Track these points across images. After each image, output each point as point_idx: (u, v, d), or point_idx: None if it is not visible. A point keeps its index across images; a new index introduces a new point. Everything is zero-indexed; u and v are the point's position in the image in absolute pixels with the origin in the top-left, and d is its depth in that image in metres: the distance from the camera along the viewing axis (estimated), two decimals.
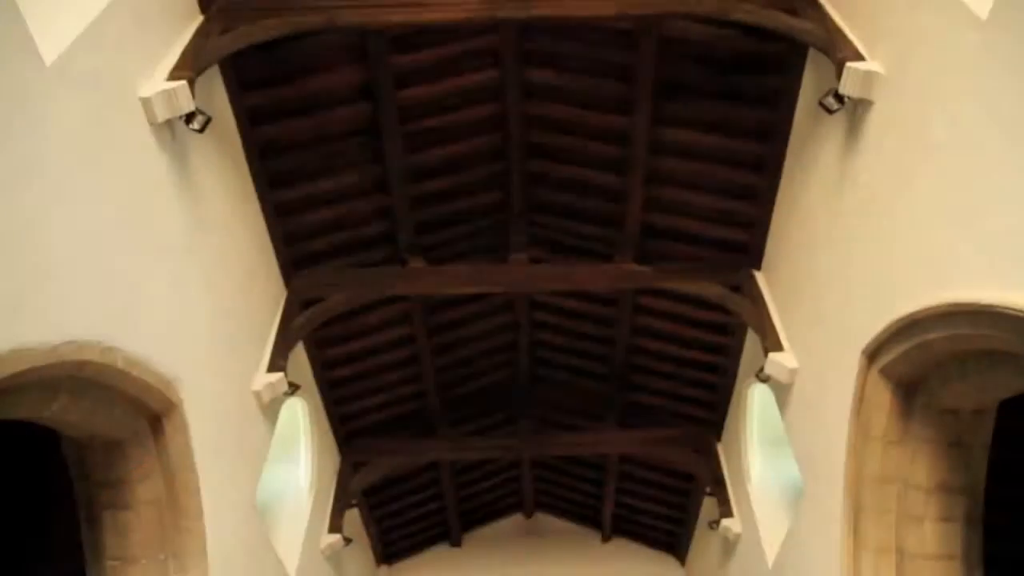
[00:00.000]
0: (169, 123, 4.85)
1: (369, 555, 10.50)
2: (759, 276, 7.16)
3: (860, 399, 5.10)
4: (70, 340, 3.75)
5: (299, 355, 7.45)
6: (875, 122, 4.86)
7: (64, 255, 3.77)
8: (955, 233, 3.94)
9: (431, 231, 7.64)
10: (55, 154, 3.71)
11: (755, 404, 7.92)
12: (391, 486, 9.90)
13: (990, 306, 3.53)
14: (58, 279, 3.71)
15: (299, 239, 7.09)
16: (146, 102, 4.61)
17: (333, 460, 8.76)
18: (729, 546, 8.59)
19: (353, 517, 9.17)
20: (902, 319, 4.39)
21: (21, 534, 6.98)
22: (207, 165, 5.55)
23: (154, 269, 4.74)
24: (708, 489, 8.76)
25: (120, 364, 4.29)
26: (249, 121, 6.08)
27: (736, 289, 7.14)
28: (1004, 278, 3.53)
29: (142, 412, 4.84)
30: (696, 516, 10.00)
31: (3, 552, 7.06)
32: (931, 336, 4.21)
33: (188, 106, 4.82)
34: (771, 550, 7.34)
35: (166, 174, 4.93)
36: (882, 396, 4.94)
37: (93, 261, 4.03)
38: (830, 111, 5.15)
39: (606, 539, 11.38)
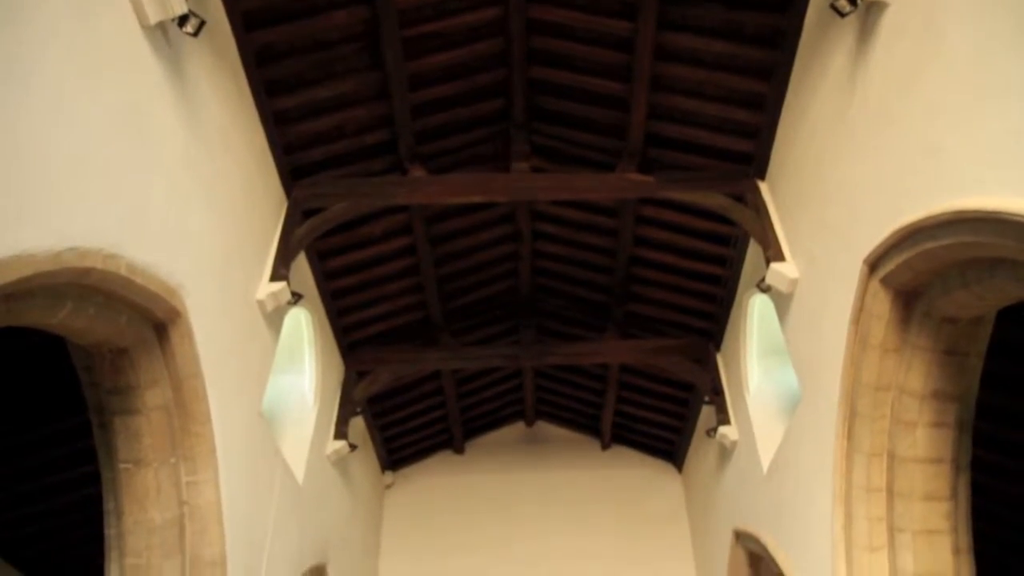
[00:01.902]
0: (162, 26, 4.74)
1: (374, 461, 10.77)
2: (763, 186, 7.11)
3: (860, 308, 5.14)
4: (72, 247, 3.76)
5: (301, 265, 7.48)
6: (887, 26, 4.73)
7: (63, 163, 3.74)
8: (961, 140, 3.89)
9: (432, 139, 7.56)
10: (50, 59, 3.64)
11: (755, 314, 7.98)
12: (395, 395, 10.07)
13: (994, 212, 3.52)
14: (58, 186, 3.69)
15: (298, 148, 7.02)
16: (136, 1, 4.49)
17: (337, 369, 8.89)
18: (726, 453, 8.81)
19: (358, 425, 9.37)
20: (905, 227, 4.39)
21: (39, 440, 7.18)
22: (203, 72, 5.45)
23: (153, 177, 4.71)
24: (707, 398, 8.91)
25: (123, 271, 4.31)
26: (244, 26, 5.93)
27: (739, 199, 7.10)
28: (1008, 185, 3.50)
29: (148, 320, 4.89)
30: (694, 424, 10.22)
31: (22, 457, 7.28)
32: (933, 244, 4.21)
33: (180, 7, 4.70)
34: (766, 456, 7.52)
35: (162, 80, 4.83)
36: (882, 305, 4.98)
37: (92, 168, 4.00)
38: (842, 14, 5.02)
39: (605, 447, 11.64)
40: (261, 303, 6.43)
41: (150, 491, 5.28)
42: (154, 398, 5.15)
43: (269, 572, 6.42)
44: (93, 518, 5.42)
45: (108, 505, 5.31)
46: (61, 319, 4.20)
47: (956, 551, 5.24)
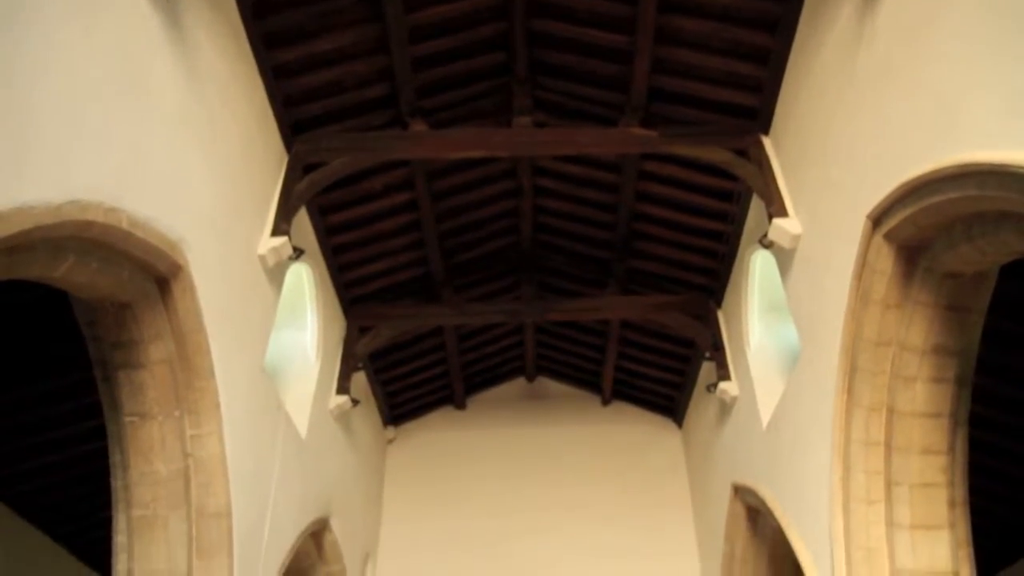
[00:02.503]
0: None
1: (376, 416, 10.86)
2: (767, 141, 7.06)
3: (862, 264, 5.13)
4: (73, 200, 3.75)
5: (303, 221, 7.46)
6: None
7: (61, 115, 3.70)
8: (970, 93, 3.85)
9: (433, 94, 7.48)
10: (46, 11, 3.58)
11: (757, 271, 7.98)
12: (396, 350, 10.12)
13: (1001, 165, 3.49)
14: (56, 139, 3.66)
15: (298, 102, 6.96)
16: None
17: (339, 325, 8.92)
18: (725, 408, 8.87)
19: (360, 380, 9.43)
20: (910, 181, 4.36)
21: (46, 394, 7.23)
22: (201, 24, 5.37)
23: (152, 130, 4.67)
24: (707, 354, 8.94)
25: (124, 225, 4.30)
26: None
27: (743, 154, 7.05)
28: (1016, 137, 3.47)
29: (150, 274, 4.90)
30: (694, 381, 10.28)
31: (30, 411, 7.34)
32: (938, 198, 4.18)
33: None
34: (766, 411, 7.58)
35: (160, 32, 4.77)
36: (884, 261, 4.98)
37: (90, 122, 3.97)
38: None
39: (606, 402, 11.72)
40: (262, 258, 6.43)
41: (155, 444, 5.33)
42: (157, 352, 5.18)
43: (273, 524, 6.52)
44: (100, 471, 5.48)
45: (114, 458, 5.37)
46: (63, 273, 4.20)
47: (952, 504, 5.31)
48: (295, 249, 6.73)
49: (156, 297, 5.08)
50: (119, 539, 5.35)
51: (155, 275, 4.94)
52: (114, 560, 5.36)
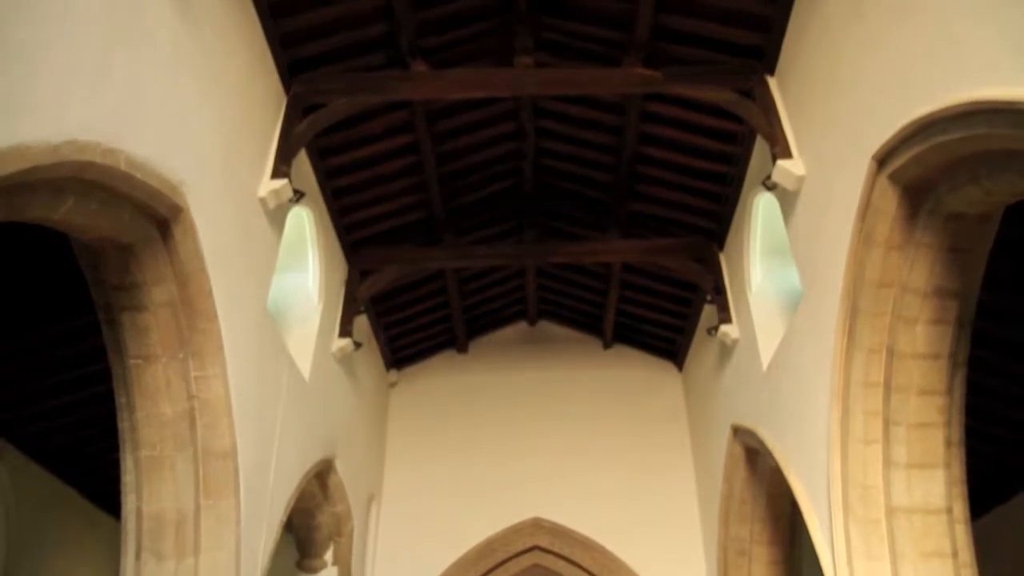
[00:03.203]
0: None
1: (379, 359, 10.94)
2: (772, 81, 6.95)
3: (866, 205, 5.10)
4: (70, 139, 3.71)
5: (303, 164, 7.40)
6: None
7: (55, 54, 3.64)
8: (982, 29, 3.77)
9: (434, 33, 7.34)
10: None
11: (759, 213, 7.94)
12: (398, 294, 10.14)
13: (1012, 103, 3.44)
14: (51, 78, 3.61)
15: (297, 41, 6.83)
16: None
17: (340, 268, 8.93)
18: (726, 351, 8.92)
19: (362, 323, 9.47)
20: (917, 120, 4.30)
21: (54, 337, 7.28)
22: None
23: (149, 71, 4.59)
24: (708, 297, 8.96)
25: (123, 166, 4.27)
26: None
27: (747, 95, 6.96)
28: None
29: (150, 216, 4.88)
30: (695, 324, 10.31)
31: (37, 354, 7.39)
32: (945, 138, 4.14)
33: None
34: (766, 353, 7.62)
35: None
36: (889, 202, 4.95)
37: (84, 60, 3.90)
38: None
39: (607, 346, 11.77)
40: (263, 200, 6.39)
41: (160, 386, 5.39)
42: (160, 295, 5.20)
43: (278, 464, 6.61)
44: (108, 413, 5.54)
45: (120, 400, 5.42)
46: (63, 214, 4.18)
47: (948, 443, 5.38)
48: (295, 191, 6.70)
49: (157, 240, 5.07)
50: (127, 479, 5.45)
51: (156, 217, 4.92)
52: (123, 500, 5.46)
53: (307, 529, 8.77)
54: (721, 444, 9.01)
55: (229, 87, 5.84)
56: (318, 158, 7.75)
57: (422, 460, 10.96)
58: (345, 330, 8.70)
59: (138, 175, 4.45)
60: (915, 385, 5.26)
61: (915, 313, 5.13)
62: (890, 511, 5.34)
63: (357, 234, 9.00)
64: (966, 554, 5.38)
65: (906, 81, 4.57)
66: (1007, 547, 9.36)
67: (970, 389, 5.49)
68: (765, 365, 7.58)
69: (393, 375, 11.50)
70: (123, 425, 5.43)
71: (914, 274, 5.00)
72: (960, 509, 5.43)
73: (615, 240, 9.25)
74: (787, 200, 6.78)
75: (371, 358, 10.43)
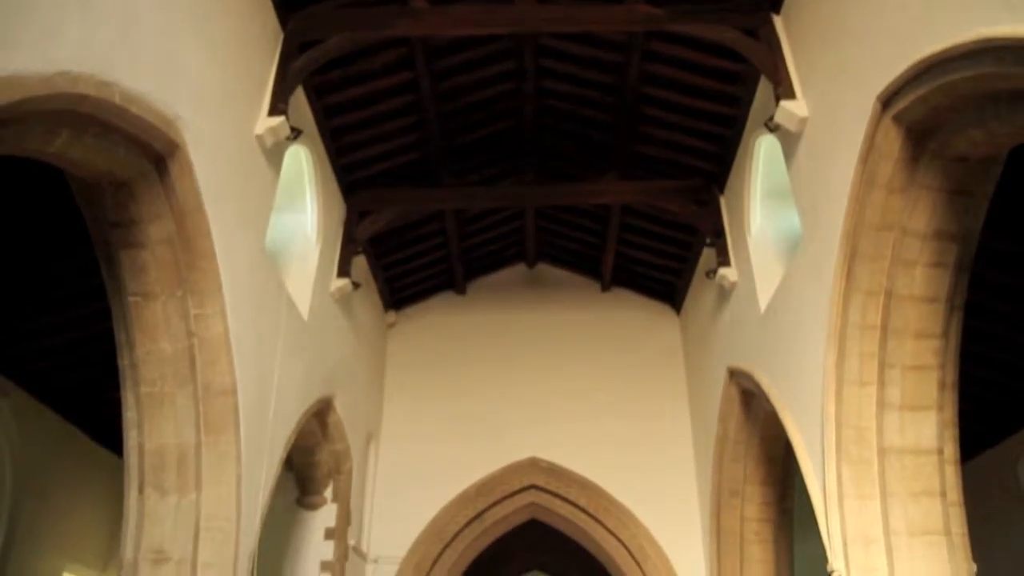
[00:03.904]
0: None
1: (377, 300, 10.96)
2: (777, 20, 6.83)
3: (869, 147, 5.06)
4: (63, 71, 3.66)
5: (300, 102, 7.30)
6: None
7: None
8: None
9: None
10: None
11: (761, 155, 7.87)
12: (396, 235, 10.10)
13: (1021, 39, 3.38)
14: (46, 11, 3.54)
15: None
16: None
17: (339, 209, 8.88)
18: (724, 294, 8.94)
19: (360, 264, 9.46)
20: (924, 59, 4.24)
21: (55, 276, 7.26)
22: None
23: (143, 4, 4.50)
24: (708, 240, 8.94)
25: (118, 100, 4.21)
26: None
27: (752, 34, 6.83)
28: None
29: (146, 152, 4.83)
30: (694, 267, 10.32)
31: (39, 292, 7.39)
32: (952, 77, 4.08)
33: None
34: (764, 296, 7.64)
35: None
36: (892, 144, 4.90)
37: None
38: None
39: (605, 288, 11.78)
40: (260, 138, 6.33)
41: (159, 323, 5.41)
42: (157, 232, 5.18)
43: (278, 402, 6.67)
44: (111, 352, 5.55)
45: (120, 337, 5.45)
46: (58, 148, 4.14)
47: (942, 386, 5.43)
48: (293, 129, 6.62)
49: (154, 176, 5.03)
50: (128, 415, 5.50)
51: (151, 154, 4.87)
52: (125, 436, 5.53)
53: (307, 467, 8.90)
54: (717, 386, 9.09)
55: (225, 22, 5.73)
56: (315, 96, 7.64)
57: (420, 400, 11.06)
58: (343, 270, 8.69)
59: (133, 109, 4.40)
60: (912, 328, 5.29)
61: (914, 256, 5.13)
62: (882, 452, 5.42)
63: (355, 174, 8.93)
64: (954, 494, 5.48)
65: (914, 18, 4.48)
66: (995, 489, 9.54)
67: (966, 333, 5.52)
68: (763, 308, 7.61)
69: (391, 316, 11.53)
70: (123, 363, 5.47)
71: (915, 217, 4.98)
72: (951, 450, 5.51)
73: (615, 182, 9.18)
74: (789, 142, 6.71)
75: (369, 299, 10.45)
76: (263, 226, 6.62)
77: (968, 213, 4.98)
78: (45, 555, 8.90)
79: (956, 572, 5.31)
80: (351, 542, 9.08)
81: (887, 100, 4.80)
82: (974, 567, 5.42)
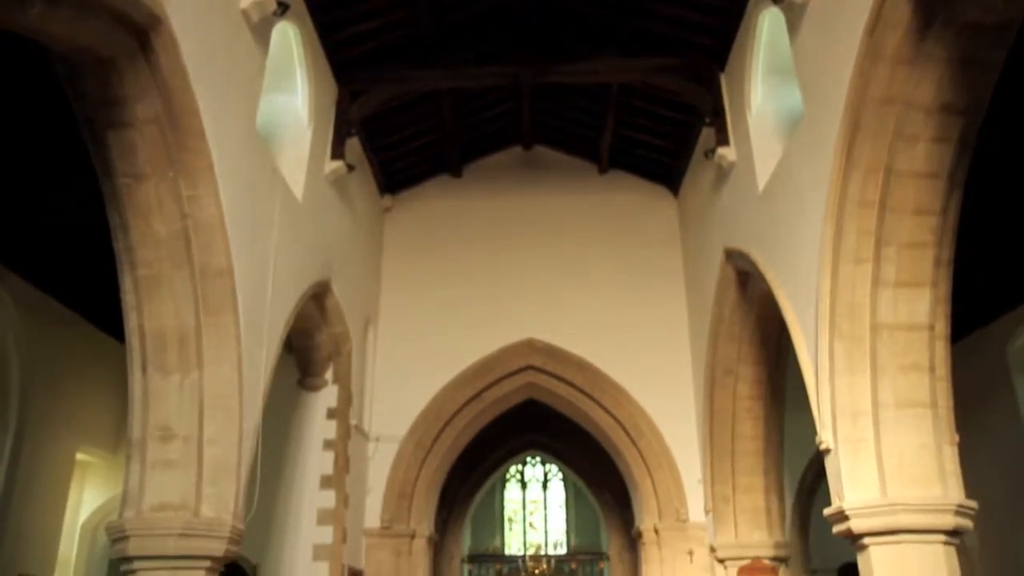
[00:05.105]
0: None
1: (372, 185, 10.85)
2: None
3: (877, 16, 4.88)
4: None
5: None
6: None
7: None
8: None
9: None
10: None
11: (764, 30, 7.61)
12: (390, 116, 9.90)
13: None
14: None
15: None
16: None
17: (330, 89, 8.66)
18: (722, 174, 8.85)
19: (354, 147, 9.31)
20: None
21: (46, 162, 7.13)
22: None
23: None
24: (707, 119, 8.77)
25: None
26: None
27: None
28: None
29: (126, 26, 4.65)
30: (692, 147, 10.16)
31: (31, 175, 7.27)
32: None
33: None
34: (763, 176, 7.56)
35: None
36: (901, 13, 4.73)
37: None
38: None
39: (603, 171, 11.63)
40: (245, 13, 6.11)
41: (152, 205, 5.36)
42: (144, 111, 5.06)
43: (276, 284, 6.70)
44: (106, 236, 5.51)
45: (113, 220, 5.42)
46: (33, 20, 4.00)
47: (937, 263, 5.44)
48: (279, 3, 6.38)
49: (137, 52, 4.87)
50: (127, 298, 5.53)
51: (133, 27, 4.69)
52: (125, 318, 5.57)
53: (307, 349, 9.04)
54: (714, 267, 9.13)
55: None
56: None
57: (418, 284, 11.12)
58: (337, 152, 8.56)
59: None
60: (910, 205, 5.26)
61: (917, 131, 5.04)
62: (875, 328, 5.48)
63: (346, 53, 8.65)
64: (942, 368, 5.59)
65: None
66: (983, 367, 9.73)
67: (965, 211, 5.48)
68: (761, 187, 7.54)
69: (387, 200, 11.44)
70: (119, 245, 5.45)
71: (921, 89, 4.86)
72: (942, 327, 5.58)
73: (613, 59, 8.92)
74: (794, 15, 6.49)
75: (365, 182, 10.35)
76: (253, 106, 6.47)
77: (977, 84, 4.85)
78: (58, 439, 9.14)
79: (939, 443, 5.47)
80: (353, 422, 9.32)
81: None
82: (956, 438, 5.58)
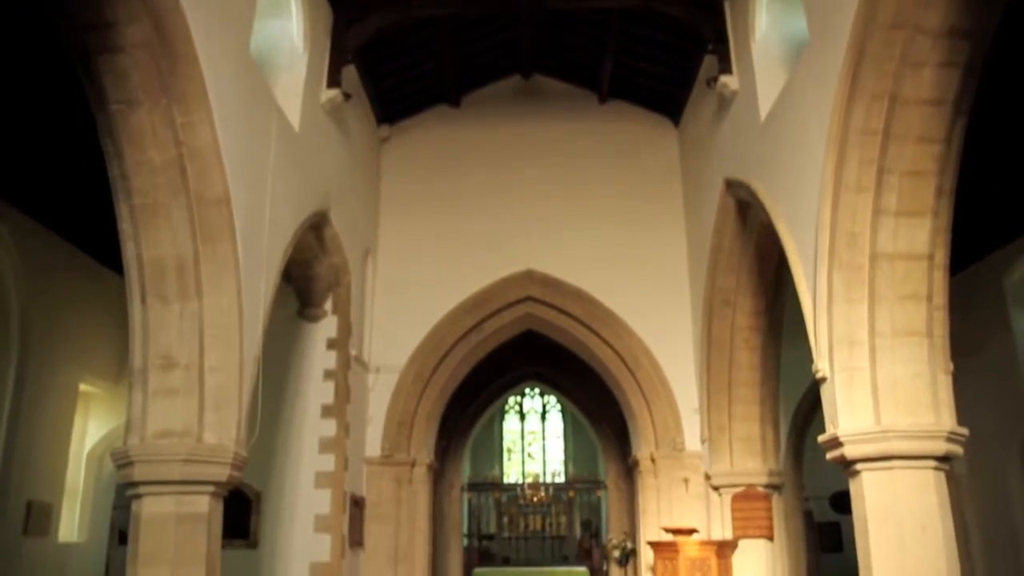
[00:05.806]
0: None
1: (370, 114, 10.70)
2: None
3: None
4: None
5: None
6: None
7: None
8: None
9: None
10: None
11: None
12: (387, 45, 9.70)
13: None
14: None
15: None
16: None
17: (325, 15, 8.47)
18: (724, 104, 8.72)
19: (351, 75, 9.15)
20: None
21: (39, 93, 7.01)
22: None
23: None
24: (710, 47, 8.60)
25: None
26: None
27: None
28: None
29: None
30: (694, 77, 10.00)
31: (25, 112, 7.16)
32: None
33: None
34: (765, 104, 7.46)
35: None
36: None
37: None
38: None
39: (603, 100, 11.45)
40: None
41: (146, 132, 5.29)
42: (135, 35, 4.95)
43: (273, 213, 6.66)
44: (101, 167, 5.46)
45: (107, 148, 5.35)
46: None
47: (939, 192, 5.40)
48: None
49: None
50: (123, 227, 5.50)
51: None
52: (122, 248, 5.55)
53: (306, 280, 9.05)
54: (713, 198, 9.07)
55: None
56: None
57: (416, 215, 11.07)
58: (333, 80, 8.42)
59: None
60: (914, 132, 5.19)
61: (924, 56, 4.94)
62: (874, 257, 5.47)
63: None
64: (940, 298, 5.60)
65: None
66: (981, 298, 9.76)
67: (969, 139, 5.42)
68: (763, 116, 7.45)
69: (385, 130, 11.29)
70: (113, 174, 5.40)
71: (930, 12, 4.75)
72: (941, 256, 5.57)
73: None
74: None
75: (362, 112, 10.20)
76: (247, 31, 6.34)
77: (986, 5, 4.73)
78: (60, 370, 9.21)
79: (934, 371, 5.52)
80: (352, 352, 9.39)
81: None
82: (951, 366, 5.63)
